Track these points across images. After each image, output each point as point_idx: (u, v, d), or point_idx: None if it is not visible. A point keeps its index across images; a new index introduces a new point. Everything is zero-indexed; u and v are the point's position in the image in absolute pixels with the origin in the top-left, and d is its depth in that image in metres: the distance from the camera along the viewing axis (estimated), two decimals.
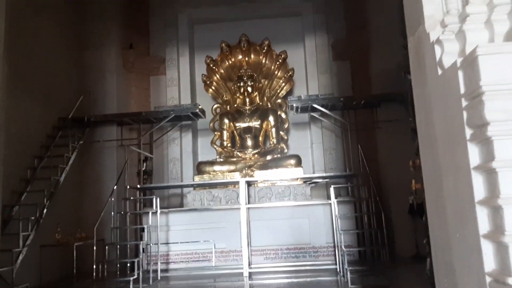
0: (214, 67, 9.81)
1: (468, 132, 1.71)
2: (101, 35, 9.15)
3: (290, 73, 9.60)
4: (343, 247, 6.15)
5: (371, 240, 7.03)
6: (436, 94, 2.04)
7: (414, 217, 7.87)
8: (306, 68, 9.74)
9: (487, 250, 1.60)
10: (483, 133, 1.60)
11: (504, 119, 1.55)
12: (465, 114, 1.73)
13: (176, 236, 7.62)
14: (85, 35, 9.11)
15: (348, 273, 5.61)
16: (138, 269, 6.41)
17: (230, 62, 9.87)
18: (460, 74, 1.75)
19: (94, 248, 6.50)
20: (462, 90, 1.75)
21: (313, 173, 9.10)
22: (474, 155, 1.69)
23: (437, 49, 1.99)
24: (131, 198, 7.82)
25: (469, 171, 1.69)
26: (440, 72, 1.98)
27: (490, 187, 1.61)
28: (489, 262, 1.59)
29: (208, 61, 9.72)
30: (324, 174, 8.21)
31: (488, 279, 1.59)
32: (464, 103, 1.74)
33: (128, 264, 6.75)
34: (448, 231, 1.92)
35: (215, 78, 9.89)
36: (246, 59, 9.81)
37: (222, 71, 9.89)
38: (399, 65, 8.25)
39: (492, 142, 1.57)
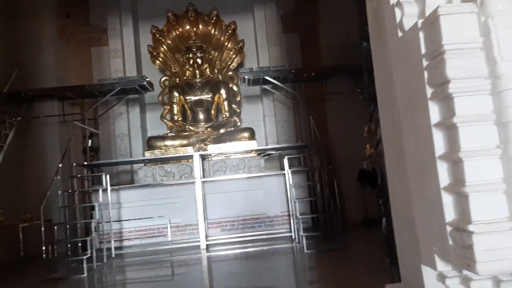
0: (160, 38, 9.42)
1: (429, 91, 1.78)
2: (35, 3, 8.40)
3: (240, 44, 9.46)
4: (298, 215, 6.33)
5: (324, 207, 7.29)
6: (396, 57, 2.09)
7: (363, 184, 8.27)
8: (256, 40, 9.65)
9: (448, 201, 1.70)
10: (444, 90, 1.66)
11: (464, 76, 1.63)
12: (426, 74, 1.79)
13: (129, 213, 7.44)
14: (17, 4, 8.32)
15: (304, 239, 5.80)
16: (91, 248, 6.20)
17: (178, 33, 9.52)
18: (421, 34, 1.80)
19: (42, 228, 6.16)
20: (423, 51, 1.80)
21: (266, 145, 9.19)
22: (434, 113, 1.77)
23: (397, 11, 2.03)
24: (78, 176, 7.46)
25: (430, 128, 1.76)
26: (400, 34, 2.03)
27: (451, 142, 1.70)
28: (450, 213, 1.70)
29: (154, 31, 9.31)
30: (277, 146, 8.32)
31: (448, 229, 1.69)
32: (425, 63, 1.80)
33: (80, 244, 6.52)
34: (408, 188, 2.02)
35: (162, 49, 9.51)
36: (194, 29, 9.50)
37: (169, 41, 9.53)
38: (348, 38, 8.47)
39: (452, 99, 1.65)
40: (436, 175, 1.73)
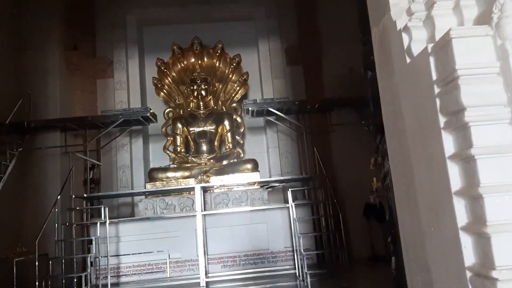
0: (165, 70, 9.47)
1: (442, 120, 1.64)
2: (42, 34, 8.52)
3: (244, 77, 9.48)
4: (302, 250, 6.06)
5: (329, 242, 7.01)
6: (404, 84, 1.97)
7: (369, 218, 8.00)
8: (260, 72, 9.68)
9: (466, 243, 1.52)
10: (460, 119, 1.52)
11: (481, 104, 1.49)
12: (438, 101, 1.66)
13: (128, 248, 7.17)
14: (24, 34, 8.45)
15: (308, 277, 5.52)
16: (86, 284, 5.95)
17: (183, 65, 9.58)
18: (432, 60, 1.68)
19: (36, 263, 5.92)
20: (434, 77, 1.67)
21: (270, 177, 9.01)
22: (448, 143, 1.62)
23: (405, 37, 1.92)
24: (77, 208, 7.28)
25: (444, 161, 1.61)
26: (408, 60, 1.91)
27: (468, 176, 1.54)
28: (469, 256, 1.51)
29: (159, 63, 9.37)
30: (281, 178, 8.13)
31: (468, 274, 1.50)
32: (436, 90, 1.67)
33: (75, 280, 6.24)
34: (421, 225, 1.84)
35: (166, 81, 9.55)
36: (199, 62, 9.56)
37: (174, 74, 9.57)
38: (351, 70, 8.46)
39: (469, 128, 1.50)
40: (453, 213, 1.55)
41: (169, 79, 9.55)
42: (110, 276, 6.72)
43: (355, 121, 8.09)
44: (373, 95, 2.65)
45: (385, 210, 7.84)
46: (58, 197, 6.75)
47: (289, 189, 6.79)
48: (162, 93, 9.51)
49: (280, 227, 7.34)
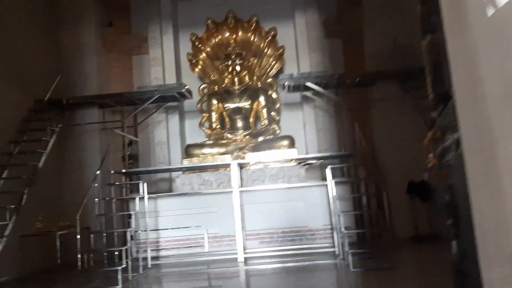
0: (200, 45, 9.32)
1: None
2: (78, 12, 8.57)
3: (280, 51, 9.20)
4: (343, 229, 5.89)
5: (370, 221, 6.79)
6: (485, 42, 1.70)
7: (412, 197, 7.69)
8: (297, 46, 9.33)
9: None
10: None
11: None
12: None
13: (166, 222, 7.26)
14: (61, 13, 8.52)
15: (350, 256, 5.35)
16: (127, 257, 6.05)
17: (217, 40, 9.40)
18: None
19: (78, 237, 6.06)
20: None
21: (307, 153, 8.79)
22: None
23: None
24: (116, 183, 7.39)
25: None
26: (491, 13, 1.64)
27: None
28: None
29: (194, 39, 9.23)
30: (319, 155, 7.90)
31: None
32: None
33: (116, 253, 6.37)
34: (505, 211, 1.60)
35: (201, 56, 9.41)
36: (234, 36, 9.34)
37: (208, 49, 9.42)
38: (395, 42, 8.00)
39: None
40: None
41: (204, 54, 9.41)
42: (150, 250, 6.83)
43: (399, 95, 7.68)
44: (434, 60, 2.36)
45: (439, 190, 7.50)
46: (98, 172, 6.85)
47: (328, 166, 6.57)
48: (196, 69, 9.40)
49: (318, 205, 7.17)
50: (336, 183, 6.58)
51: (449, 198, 2.57)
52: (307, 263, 6.12)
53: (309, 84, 7.85)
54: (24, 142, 6.70)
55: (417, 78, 7.36)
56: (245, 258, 6.56)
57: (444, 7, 2.08)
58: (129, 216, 7.08)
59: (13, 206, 5.93)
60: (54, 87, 7.59)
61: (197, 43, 9.30)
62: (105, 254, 6.23)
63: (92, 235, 6.28)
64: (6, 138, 6.67)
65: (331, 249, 6.66)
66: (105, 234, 6.51)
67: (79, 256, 5.96)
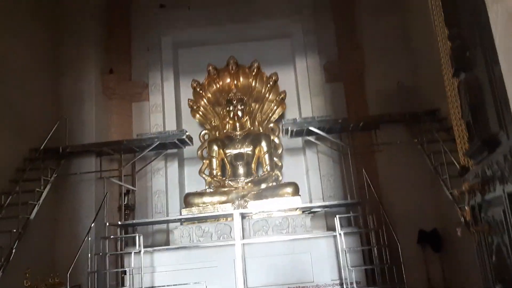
0: (201, 91, 9.23)
1: None
2: (78, 59, 8.53)
3: (282, 95, 9.08)
4: (355, 285, 5.42)
5: (382, 275, 6.31)
6: None
7: (424, 247, 7.25)
8: (298, 90, 9.24)
9: None
10: None
11: None
12: None
13: (163, 279, 6.76)
14: (61, 59, 8.49)
15: None
16: None
17: (218, 86, 9.32)
18: None
19: None
20: None
21: (310, 201, 8.43)
22: None
23: None
24: (111, 236, 6.98)
25: None
26: None
27: None
28: None
29: (195, 85, 9.15)
30: (326, 203, 7.52)
31: None
32: None
33: None
34: None
35: (202, 103, 9.29)
36: (235, 82, 9.27)
37: (209, 95, 9.32)
38: (398, 84, 7.88)
39: None
40: None
41: (205, 100, 9.30)
42: None
43: (405, 139, 7.44)
44: (473, 101, 2.10)
45: (440, 236, 7.05)
46: (92, 225, 6.49)
47: (337, 216, 6.21)
48: (197, 115, 9.25)
49: (325, 257, 6.71)
50: (345, 234, 6.18)
51: (497, 260, 2.20)
52: None
53: (312, 128, 7.63)
54: (16, 194, 6.39)
55: (424, 121, 7.17)
56: None
57: (498, 37, 1.84)
58: (124, 271, 6.63)
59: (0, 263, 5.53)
60: (51, 135, 7.39)
61: (198, 89, 9.22)
62: None
63: None
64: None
65: None
66: None
67: None
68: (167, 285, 6.68)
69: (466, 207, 2.31)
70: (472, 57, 2.11)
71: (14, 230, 6.02)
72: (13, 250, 5.82)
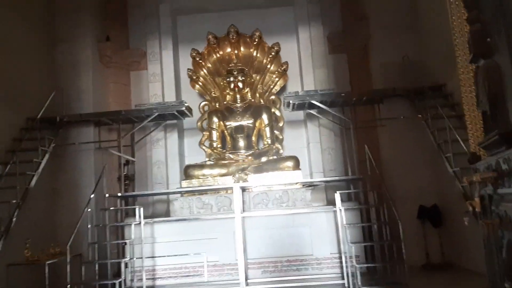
0: (200, 61, 9.00)
1: None
2: (74, 26, 8.26)
3: (284, 67, 8.87)
4: (354, 262, 5.48)
5: (381, 250, 6.37)
6: None
7: (423, 222, 7.30)
8: (300, 62, 8.99)
9: None
10: None
11: None
12: None
13: (163, 249, 6.83)
14: (57, 27, 8.25)
15: None
16: (120, 287, 5.64)
17: (218, 56, 9.07)
18: None
19: (68, 269, 5.62)
20: None
21: (311, 175, 8.41)
22: None
23: None
24: (111, 208, 6.97)
25: None
26: None
27: None
28: None
29: (194, 54, 8.90)
30: (327, 178, 7.49)
31: None
32: None
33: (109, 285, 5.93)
34: None
35: (202, 73, 9.08)
36: (236, 52, 9.03)
37: (209, 65, 9.09)
38: (404, 58, 7.68)
39: None
40: None
41: (205, 70, 9.08)
42: (146, 279, 6.41)
43: (409, 115, 7.34)
44: (493, 91, 1.98)
45: (440, 212, 7.06)
46: (91, 196, 6.45)
47: (337, 192, 6.19)
48: (197, 86, 9.06)
49: (325, 231, 6.76)
50: (346, 209, 6.18)
51: (508, 256, 2.15)
52: None
53: (314, 102, 7.49)
54: (14, 164, 6.30)
55: (429, 97, 7.04)
56: None
57: None
58: (124, 242, 6.66)
59: None
60: (48, 104, 7.24)
61: (197, 59, 8.98)
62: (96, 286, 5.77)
63: (83, 267, 5.84)
64: None
65: (340, 281, 6.22)
66: (97, 264, 6.07)
67: None
68: (167, 255, 6.74)
69: (475, 198, 2.24)
70: (494, 43, 1.98)
71: (14, 201, 5.97)
72: (13, 221, 5.79)
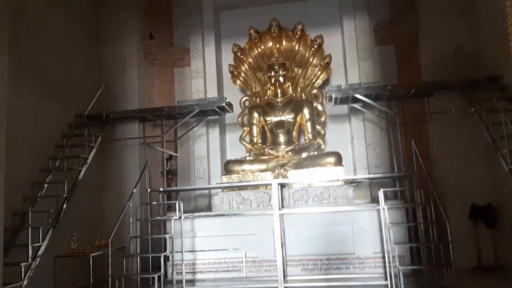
0: (242, 56, 8.95)
1: None
2: (119, 25, 8.51)
3: (326, 60, 8.59)
4: (397, 264, 5.20)
5: (428, 252, 6.01)
6: None
7: (476, 222, 6.80)
8: (345, 54, 8.68)
9: None
10: None
11: None
12: None
13: (203, 244, 6.91)
14: (102, 26, 8.53)
15: None
16: (159, 280, 5.76)
17: (260, 50, 8.98)
18: None
19: (109, 263, 5.82)
20: None
21: (354, 171, 8.12)
22: None
23: None
24: (153, 203, 7.14)
25: None
26: None
27: None
28: None
29: (236, 49, 8.87)
30: (370, 175, 7.19)
31: None
32: None
33: (151, 277, 6.08)
34: None
35: (243, 68, 9.04)
36: (277, 46, 8.88)
37: (250, 60, 9.02)
38: (457, 48, 7.15)
39: None
40: None
41: (246, 65, 9.03)
42: (186, 272, 6.51)
43: (462, 108, 6.83)
44: None
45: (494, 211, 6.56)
46: (134, 190, 6.63)
47: (381, 189, 5.90)
48: (238, 81, 9.04)
49: (367, 230, 6.50)
50: (390, 208, 5.88)
51: None
52: None
53: (358, 96, 7.19)
54: (62, 159, 6.62)
55: (484, 89, 6.51)
56: (286, 287, 6.01)
57: None
58: (165, 236, 6.80)
59: (47, 226, 5.79)
60: (94, 101, 7.53)
61: (239, 54, 8.94)
62: (138, 281, 5.93)
63: (125, 260, 6.03)
64: (46, 155, 6.63)
65: (383, 282, 5.95)
66: (138, 258, 6.23)
67: (110, 283, 5.69)
68: (207, 250, 6.80)
69: None
70: None
71: (65, 195, 6.26)
72: (61, 214, 6.06)
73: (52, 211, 5.96)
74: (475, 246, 6.75)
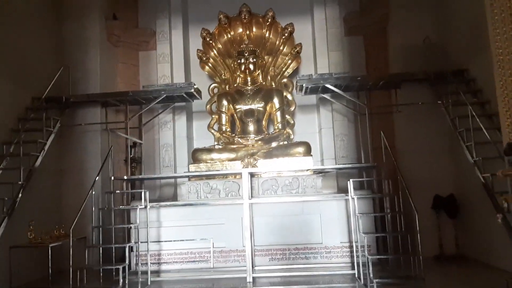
0: (211, 42, 8.70)
1: None
2: (81, 2, 8.00)
3: (297, 49, 8.52)
4: (366, 253, 5.25)
5: (394, 241, 6.13)
6: None
7: (438, 212, 7.02)
8: (315, 44, 8.62)
9: None
10: None
11: None
12: None
13: (169, 234, 6.71)
14: (63, 4, 7.97)
15: (375, 286, 4.71)
16: (124, 271, 5.54)
17: (229, 36, 8.76)
18: None
19: (71, 253, 5.51)
20: None
21: (322, 161, 8.16)
22: None
23: None
24: (117, 191, 6.83)
25: None
26: None
27: None
28: None
29: (205, 34, 8.61)
30: (340, 166, 7.22)
31: None
32: None
33: (114, 268, 5.83)
34: None
35: (212, 54, 8.79)
36: (248, 32, 8.70)
37: (220, 46, 8.79)
38: (425, 41, 7.28)
39: None
40: None
41: (215, 51, 8.79)
42: (151, 263, 6.29)
43: (429, 101, 6.98)
44: None
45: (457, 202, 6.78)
46: (96, 178, 6.31)
47: (350, 180, 5.93)
48: (207, 67, 8.78)
49: (335, 220, 6.55)
50: (359, 198, 5.92)
51: None
52: (322, 286, 5.52)
53: (329, 86, 7.17)
54: (18, 144, 6.17)
55: (451, 82, 6.67)
56: (254, 279, 5.95)
57: None
58: (130, 226, 6.54)
59: (1, 215, 5.40)
60: (54, 83, 7.06)
61: (208, 39, 8.68)
62: (101, 272, 5.66)
63: (86, 250, 5.73)
64: (1, 138, 6.15)
65: (350, 271, 6.03)
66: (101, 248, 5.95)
67: (71, 275, 5.39)
68: (173, 240, 6.61)
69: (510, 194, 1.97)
70: None
71: (20, 182, 5.85)
72: (16, 202, 5.67)
73: (6, 199, 5.59)
74: (437, 235, 6.96)
